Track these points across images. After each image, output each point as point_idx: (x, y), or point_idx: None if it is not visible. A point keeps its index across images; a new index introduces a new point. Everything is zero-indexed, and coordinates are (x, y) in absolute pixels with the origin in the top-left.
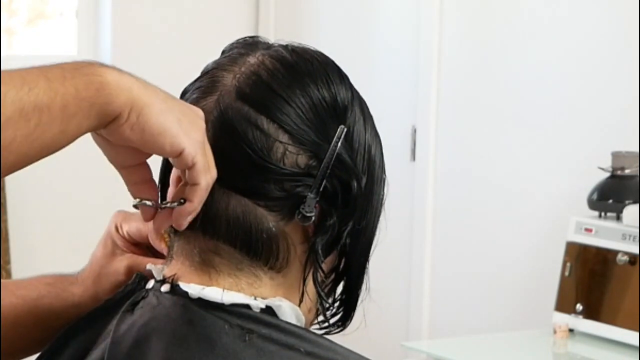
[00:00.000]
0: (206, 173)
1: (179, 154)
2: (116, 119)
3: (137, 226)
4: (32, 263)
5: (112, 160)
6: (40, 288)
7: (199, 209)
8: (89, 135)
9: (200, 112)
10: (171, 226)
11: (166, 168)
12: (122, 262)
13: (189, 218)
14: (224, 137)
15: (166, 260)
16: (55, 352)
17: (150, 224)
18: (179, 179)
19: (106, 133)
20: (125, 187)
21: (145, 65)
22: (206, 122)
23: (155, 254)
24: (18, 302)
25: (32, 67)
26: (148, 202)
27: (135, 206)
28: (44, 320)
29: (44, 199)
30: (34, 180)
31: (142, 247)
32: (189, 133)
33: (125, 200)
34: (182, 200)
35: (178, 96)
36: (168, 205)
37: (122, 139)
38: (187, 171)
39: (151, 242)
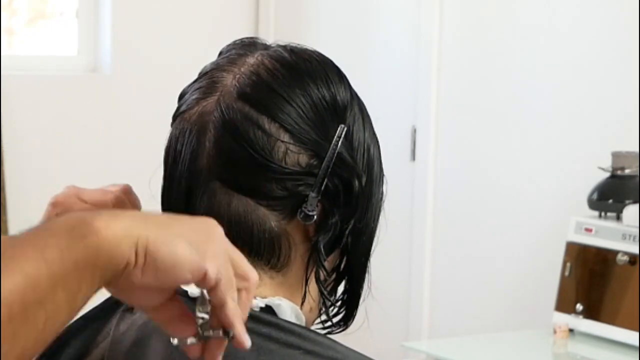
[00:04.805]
0: (230, 288)
1: (203, 278)
2: (124, 269)
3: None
4: None
5: (137, 305)
6: None
7: (243, 330)
8: (88, 135)
9: (211, 220)
10: None
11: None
12: None
13: (244, 339)
14: (226, 137)
15: None
16: (55, 352)
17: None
18: None
19: (115, 286)
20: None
21: (145, 66)
22: (207, 122)
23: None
24: None
25: (24, 241)
26: (190, 340)
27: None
28: None
29: (44, 199)
30: (34, 180)
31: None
32: (206, 251)
33: None
34: (228, 332)
35: (177, 97)
36: (211, 335)
37: (136, 284)
38: (210, 291)
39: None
